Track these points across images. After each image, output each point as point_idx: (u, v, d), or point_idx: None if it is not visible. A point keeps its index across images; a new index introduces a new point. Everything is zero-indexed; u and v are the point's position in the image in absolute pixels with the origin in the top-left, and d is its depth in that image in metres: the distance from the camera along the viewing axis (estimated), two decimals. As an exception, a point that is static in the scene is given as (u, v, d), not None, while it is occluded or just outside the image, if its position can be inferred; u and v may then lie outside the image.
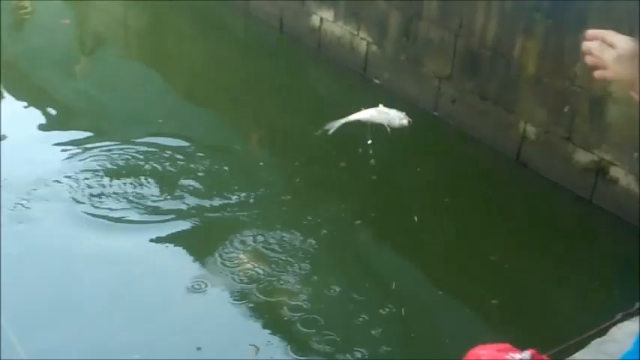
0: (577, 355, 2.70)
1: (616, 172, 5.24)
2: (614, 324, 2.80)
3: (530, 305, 4.50)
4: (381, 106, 1.98)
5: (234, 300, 4.30)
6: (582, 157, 5.43)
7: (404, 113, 1.88)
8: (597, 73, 1.53)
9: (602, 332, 2.84)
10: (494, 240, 5.09)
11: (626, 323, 2.77)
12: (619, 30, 1.67)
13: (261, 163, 5.82)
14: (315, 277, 4.54)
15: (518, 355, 1.41)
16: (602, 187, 5.32)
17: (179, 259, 4.67)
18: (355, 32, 7.33)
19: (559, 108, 5.53)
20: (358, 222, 5.21)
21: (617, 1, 4.95)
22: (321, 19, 7.72)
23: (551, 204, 5.55)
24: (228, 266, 4.55)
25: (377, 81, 7.11)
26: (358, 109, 6.13)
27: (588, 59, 1.53)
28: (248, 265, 4.57)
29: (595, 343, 2.76)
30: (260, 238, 4.84)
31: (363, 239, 5.10)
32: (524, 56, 5.74)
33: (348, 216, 5.24)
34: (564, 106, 5.48)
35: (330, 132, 2.17)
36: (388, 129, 2.13)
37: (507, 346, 1.49)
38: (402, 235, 5.17)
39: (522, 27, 5.71)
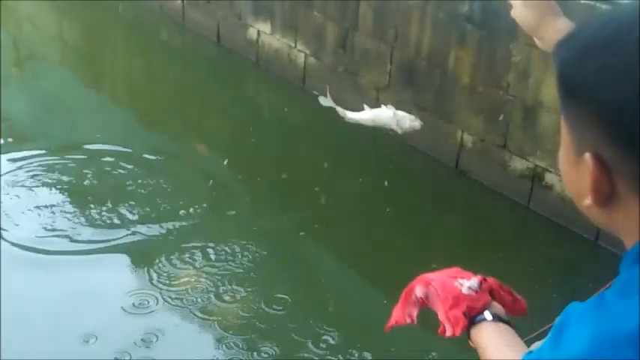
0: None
1: (551, 178, 5.38)
2: (550, 329, 2.87)
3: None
4: (388, 106, 1.88)
5: (177, 317, 4.27)
6: (518, 164, 5.57)
7: (414, 116, 1.80)
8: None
9: (543, 335, 2.90)
10: (436, 248, 5.17)
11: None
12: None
13: (203, 177, 5.79)
14: (259, 290, 4.55)
15: (467, 282, 1.36)
16: (538, 193, 5.47)
17: (119, 277, 4.62)
18: (293, 44, 7.37)
19: (494, 117, 5.66)
20: (302, 233, 5.23)
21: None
22: (258, 31, 7.74)
23: (490, 211, 5.67)
24: (169, 283, 4.52)
25: (316, 92, 7.15)
26: (298, 120, 6.21)
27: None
28: (190, 280, 4.55)
29: (536, 346, 2.82)
30: (203, 253, 4.82)
31: (308, 250, 5.13)
32: (459, 66, 5.86)
33: (291, 228, 5.27)
34: (499, 115, 5.62)
35: (322, 103, 1.97)
36: (399, 130, 1.95)
37: (457, 269, 1.47)
38: (345, 245, 5.22)
39: (456, 38, 5.84)
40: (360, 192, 5.87)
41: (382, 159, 6.32)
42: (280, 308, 4.41)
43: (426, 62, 6.12)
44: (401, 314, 1.45)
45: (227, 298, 4.45)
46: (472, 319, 1.34)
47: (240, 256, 4.85)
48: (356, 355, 4.16)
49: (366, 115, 1.87)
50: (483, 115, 5.77)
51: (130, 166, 5.81)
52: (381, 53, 6.48)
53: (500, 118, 5.63)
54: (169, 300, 4.38)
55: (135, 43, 8.90)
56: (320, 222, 5.40)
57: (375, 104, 7.03)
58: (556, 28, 1.40)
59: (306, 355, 4.11)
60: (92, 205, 5.22)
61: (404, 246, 5.20)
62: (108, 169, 5.73)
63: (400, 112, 1.79)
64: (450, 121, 6.01)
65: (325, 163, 6.24)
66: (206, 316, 4.28)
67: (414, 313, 1.44)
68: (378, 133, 6.59)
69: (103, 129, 6.47)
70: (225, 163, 6.06)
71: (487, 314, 1.33)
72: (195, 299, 4.39)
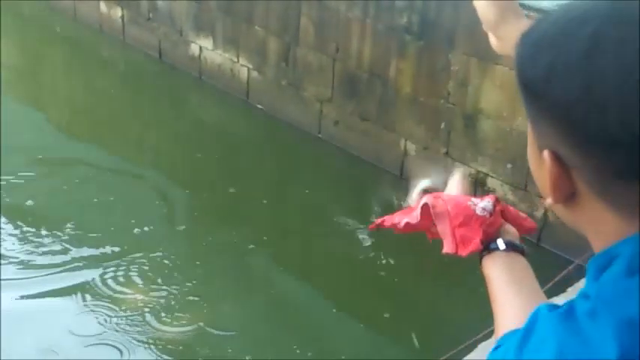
0: (468, 356, 2.86)
1: (492, 183, 5.53)
2: (499, 326, 2.96)
3: (421, 316, 4.67)
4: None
5: (127, 335, 4.26)
6: (460, 170, 5.69)
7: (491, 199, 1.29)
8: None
9: (488, 335, 3.00)
10: (384, 256, 5.25)
11: (509, 325, 2.94)
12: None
13: (150, 194, 5.78)
14: (209, 304, 4.57)
15: (481, 203, 1.25)
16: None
17: (66, 297, 4.57)
18: (235, 59, 7.41)
19: (436, 125, 5.79)
20: (251, 246, 5.26)
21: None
22: (201, 47, 7.76)
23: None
24: (116, 302, 4.49)
25: (260, 106, 7.21)
26: (243, 134, 6.21)
27: None
28: (138, 299, 4.53)
29: (482, 346, 2.92)
30: (151, 270, 4.81)
31: (257, 263, 5.16)
32: (400, 77, 5.98)
33: (241, 241, 5.29)
34: (440, 123, 5.75)
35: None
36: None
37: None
38: (295, 256, 5.27)
39: (395, 49, 5.95)
40: (308, 203, 5.93)
41: (328, 170, 6.39)
42: (231, 324, 4.43)
43: (367, 73, 6.22)
44: (390, 217, 1.33)
45: (177, 315, 4.44)
46: (487, 245, 1.22)
47: (190, 272, 4.86)
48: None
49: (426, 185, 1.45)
50: (425, 124, 5.89)
51: (74, 186, 5.76)
52: (323, 66, 6.57)
53: (442, 126, 5.76)
54: (116, 320, 4.35)
55: (75, 61, 8.82)
56: (269, 234, 5.44)
57: (319, 116, 7.14)
58: (518, 28, 1.30)
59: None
60: (34, 226, 5.16)
61: (353, 256, 5.27)
62: (50, 189, 5.67)
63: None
64: (393, 131, 6.13)
65: (272, 176, 6.30)
66: (162, 327, 4.28)
67: (404, 220, 1.30)
68: (321, 144, 6.71)
69: (43, 149, 6.39)
70: (172, 179, 6.06)
71: (500, 243, 1.22)
72: (142, 319, 4.37)
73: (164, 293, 4.59)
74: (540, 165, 0.83)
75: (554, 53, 0.77)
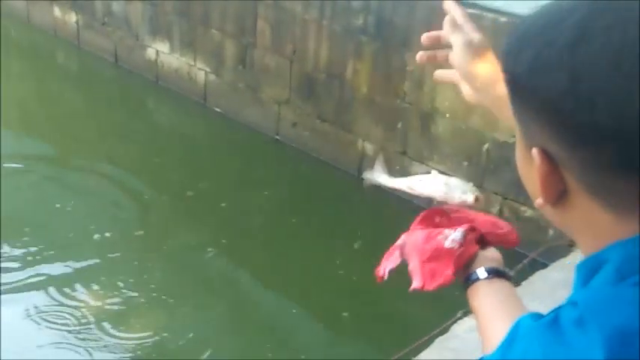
0: (423, 353, 2.89)
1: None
2: (455, 321, 3.02)
3: (379, 313, 4.70)
4: (435, 173, 1.44)
5: (84, 342, 4.22)
6: (418, 169, 5.75)
7: (470, 184, 1.35)
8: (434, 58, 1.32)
9: (445, 330, 3.04)
10: (342, 254, 5.28)
11: (465, 319, 2.99)
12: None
13: (108, 200, 5.74)
14: (169, 309, 4.55)
15: (451, 234, 1.22)
16: (438, 195, 5.65)
17: (21, 304, 4.51)
18: (192, 63, 7.39)
19: (393, 125, 5.84)
20: (210, 249, 5.25)
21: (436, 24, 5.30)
22: (157, 51, 7.72)
23: (394, 216, 5.82)
24: (75, 309, 4.45)
25: (218, 109, 7.19)
26: (201, 137, 6.18)
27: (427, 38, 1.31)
28: (95, 306, 4.50)
29: (439, 341, 2.96)
30: (110, 276, 4.78)
31: (216, 266, 5.15)
32: (357, 77, 6.02)
33: (199, 245, 5.28)
34: (397, 123, 5.80)
35: (365, 184, 1.52)
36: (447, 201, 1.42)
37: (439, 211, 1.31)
38: (254, 258, 5.27)
39: (352, 50, 5.99)
40: (266, 205, 5.93)
41: (286, 171, 6.41)
42: (191, 327, 4.42)
43: (324, 75, 6.25)
44: (378, 267, 1.34)
45: (136, 321, 4.42)
46: (468, 277, 1.20)
47: (149, 277, 4.84)
48: None
49: (406, 183, 1.47)
50: (382, 124, 5.93)
51: (31, 192, 5.69)
52: (280, 68, 6.58)
53: (399, 125, 5.81)
54: (73, 327, 4.31)
55: (29, 67, 8.70)
56: (228, 237, 5.44)
57: (277, 118, 7.15)
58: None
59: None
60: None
61: (311, 254, 5.29)
62: (5, 195, 5.59)
63: (453, 181, 1.37)
64: (351, 131, 6.16)
65: (230, 179, 6.29)
66: (120, 333, 4.25)
67: (388, 267, 1.31)
68: (279, 146, 6.71)
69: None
70: (130, 183, 6.02)
71: (481, 272, 1.19)
72: (100, 326, 4.34)
73: (123, 299, 4.56)
74: (528, 164, 0.81)
75: (539, 46, 0.75)
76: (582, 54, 0.72)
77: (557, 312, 0.75)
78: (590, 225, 0.78)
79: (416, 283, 1.24)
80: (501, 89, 1.18)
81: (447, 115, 5.45)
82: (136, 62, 7.96)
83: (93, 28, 8.43)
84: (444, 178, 1.39)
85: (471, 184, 1.36)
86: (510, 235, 1.29)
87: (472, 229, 1.25)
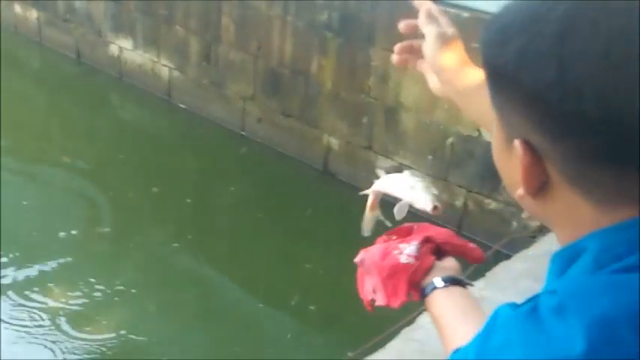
0: (390, 344, 2.93)
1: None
2: (421, 313, 3.06)
3: (346, 307, 4.72)
4: (407, 173, 1.39)
5: (47, 341, 4.19)
6: (383, 163, 5.80)
7: (435, 192, 1.32)
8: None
9: (411, 321, 3.08)
10: (308, 249, 5.31)
11: (431, 310, 3.03)
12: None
13: (73, 197, 5.69)
14: (135, 306, 4.54)
15: (406, 248, 1.23)
16: (403, 190, 5.70)
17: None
18: (156, 59, 7.35)
19: (358, 120, 5.88)
20: (176, 245, 5.24)
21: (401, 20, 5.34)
22: (120, 48, 7.67)
23: (358, 210, 5.85)
24: (40, 309, 4.42)
25: (182, 105, 7.17)
26: (165, 134, 6.14)
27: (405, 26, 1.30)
28: (58, 306, 4.46)
29: (405, 332, 2.99)
30: (76, 274, 4.75)
31: (182, 262, 5.14)
32: (321, 73, 6.04)
33: (165, 240, 5.27)
34: (362, 118, 5.84)
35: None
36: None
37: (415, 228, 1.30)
38: (220, 254, 5.28)
39: (316, 45, 6.01)
40: (232, 200, 5.93)
41: (252, 167, 6.41)
42: (157, 324, 4.42)
43: (289, 70, 6.26)
44: (361, 292, 1.32)
45: (101, 318, 4.40)
46: (424, 288, 1.21)
47: (115, 274, 4.81)
48: (239, 354, 4.23)
49: (379, 183, 1.44)
50: (348, 119, 5.97)
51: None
52: (244, 64, 6.58)
53: (364, 120, 5.85)
54: (38, 329, 4.28)
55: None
56: (194, 233, 5.43)
57: (242, 114, 7.13)
58: (473, 79, 1.22)
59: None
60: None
61: (277, 250, 5.31)
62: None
63: (419, 185, 1.33)
64: (316, 126, 6.18)
65: (196, 175, 6.28)
66: (81, 340, 4.22)
67: (368, 296, 1.29)
68: (245, 141, 6.71)
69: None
70: (95, 180, 5.98)
71: (437, 281, 1.20)
72: (67, 324, 4.31)
73: (88, 297, 4.54)
74: (507, 156, 0.80)
75: (525, 38, 0.74)
76: (571, 44, 0.71)
77: (535, 301, 0.75)
78: (570, 215, 0.78)
79: (380, 301, 1.24)
80: (467, 82, 1.22)
81: (412, 110, 5.50)
82: (99, 59, 7.90)
83: (54, 24, 8.34)
84: (411, 180, 1.37)
85: (436, 192, 1.34)
86: (476, 251, 1.31)
87: (427, 241, 1.26)
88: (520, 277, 3.34)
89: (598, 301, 0.71)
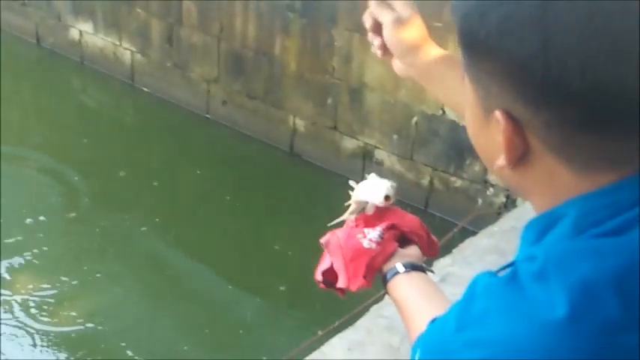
0: (359, 321, 2.97)
1: (380, 154, 5.68)
2: (390, 289, 3.09)
3: (316, 287, 4.76)
4: (372, 175, 1.37)
5: (16, 327, 4.17)
6: (349, 143, 5.83)
7: (388, 184, 1.31)
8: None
9: (379, 299, 3.12)
10: (277, 230, 5.33)
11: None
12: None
13: (38, 183, 5.63)
14: (103, 290, 4.53)
15: (370, 233, 1.26)
16: (370, 169, 5.74)
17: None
18: (117, 43, 7.27)
19: (323, 100, 5.89)
20: (144, 229, 5.23)
21: (363, 0, 5.36)
22: (81, 32, 7.57)
23: (325, 190, 5.89)
24: (8, 293, 4.39)
25: (146, 89, 7.12)
26: (130, 117, 6.08)
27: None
28: (27, 290, 4.44)
29: (374, 309, 3.03)
30: (43, 260, 4.72)
31: (151, 245, 5.13)
32: (285, 54, 6.03)
33: (132, 225, 5.25)
34: (327, 98, 5.86)
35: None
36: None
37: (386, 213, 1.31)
38: (188, 237, 5.28)
39: (279, 26, 6.00)
40: (200, 183, 5.93)
41: (219, 150, 6.40)
42: (126, 308, 4.42)
43: (253, 52, 6.25)
44: (315, 272, 1.35)
45: (69, 304, 4.38)
46: (384, 276, 1.24)
47: (83, 259, 4.79)
48: (209, 335, 4.25)
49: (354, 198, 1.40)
50: (312, 100, 5.98)
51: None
52: (207, 46, 6.54)
53: (329, 101, 5.87)
54: (7, 312, 4.25)
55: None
56: (162, 216, 5.42)
57: (207, 97, 7.07)
58: (428, 54, 1.23)
59: (160, 342, 4.15)
60: None
61: (246, 231, 5.32)
62: None
63: (373, 182, 1.35)
64: (282, 108, 6.19)
65: (162, 159, 6.26)
66: (55, 317, 4.21)
67: (320, 269, 1.33)
68: (210, 124, 6.68)
69: None
70: (60, 166, 5.92)
71: (399, 266, 1.23)
72: (35, 311, 4.29)
73: (56, 283, 4.53)
74: (485, 129, 0.80)
75: (507, 7, 0.73)
76: (553, 14, 0.71)
77: (514, 268, 0.75)
78: (550, 184, 0.78)
79: (341, 283, 1.27)
80: (429, 60, 1.23)
81: (376, 90, 5.53)
82: (60, 43, 7.79)
83: (12, 8, 8.19)
84: (374, 181, 1.37)
85: (389, 183, 1.33)
86: (433, 246, 1.34)
87: (391, 227, 1.28)
88: (486, 252, 3.40)
89: (579, 265, 0.72)
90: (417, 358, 0.87)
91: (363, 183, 1.36)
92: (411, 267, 1.23)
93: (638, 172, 0.76)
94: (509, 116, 0.76)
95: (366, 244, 1.25)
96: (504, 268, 0.77)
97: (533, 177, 0.79)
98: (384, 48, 1.27)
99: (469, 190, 5.16)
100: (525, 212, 3.81)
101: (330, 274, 1.31)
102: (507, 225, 3.68)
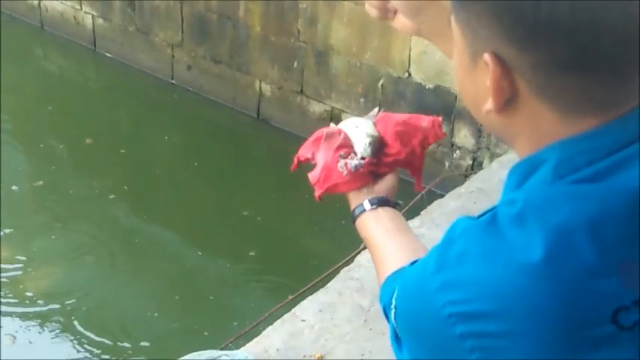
0: (330, 283, 3.01)
1: (347, 118, 5.67)
2: (359, 252, 3.13)
3: (286, 252, 4.80)
4: (350, 121, 1.35)
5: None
6: (316, 107, 5.82)
7: (367, 140, 1.26)
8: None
9: (350, 261, 3.16)
10: (245, 195, 5.33)
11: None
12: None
13: (4, 151, 5.55)
14: (70, 259, 4.51)
15: (350, 161, 1.22)
16: (336, 132, 5.74)
17: None
18: (78, 7, 7.14)
19: (289, 64, 5.86)
20: (112, 196, 5.19)
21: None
22: (40, -5, 7.41)
23: (293, 155, 5.85)
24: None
25: (109, 54, 7.01)
26: (94, 83, 5.96)
27: None
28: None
29: (344, 271, 3.07)
30: (12, 230, 4.67)
31: (119, 213, 5.11)
32: (250, 17, 5.98)
33: (100, 192, 5.21)
34: (293, 62, 5.82)
35: None
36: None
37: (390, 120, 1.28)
38: (157, 203, 5.27)
39: (244, -11, 5.94)
40: (167, 150, 5.89)
41: (185, 115, 6.35)
42: (94, 276, 4.41)
43: (217, 15, 6.18)
44: (302, 149, 1.31)
45: (36, 274, 4.36)
46: (352, 212, 1.22)
47: (50, 228, 4.76)
48: (179, 302, 4.26)
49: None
50: (278, 64, 5.94)
51: None
52: (170, 10, 6.45)
53: (295, 65, 5.84)
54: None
55: None
56: (129, 183, 5.39)
57: (171, 62, 6.98)
58: (438, 10, 1.19)
59: (133, 313, 4.15)
60: None
61: (215, 198, 5.32)
62: None
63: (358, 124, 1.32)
64: (247, 72, 6.14)
65: (128, 125, 6.20)
66: (17, 297, 4.18)
67: (302, 155, 1.30)
68: (176, 89, 6.61)
69: None
70: (24, 134, 5.84)
71: (366, 203, 1.21)
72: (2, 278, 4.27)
73: (22, 253, 4.48)
74: (471, 73, 0.81)
75: None
76: None
77: (494, 211, 0.77)
78: (535, 129, 0.79)
79: (312, 178, 1.26)
80: (438, 14, 1.18)
81: (342, 53, 5.51)
82: (18, 7, 7.62)
83: (-32, -28, 7.99)
84: (354, 124, 1.33)
85: (368, 133, 1.28)
86: (430, 131, 1.28)
87: (372, 164, 1.24)
88: (454, 213, 3.45)
89: (557, 209, 0.73)
90: (393, 300, 0.87)
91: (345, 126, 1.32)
92: (378, 203, 1.21)
93: (621, 117, 0.76)
94: (498, 59, 0.76)
95: (339, 165, 1.23)
96: (485, 213, 0.78)
97: (519, 122, 0.79)
98: (383, 9, 1.24)
99: (436, 153, 5.20)
100: (492, 174, 3.86)
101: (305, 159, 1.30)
102: (474, 187, 3.73)
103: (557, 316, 0.71)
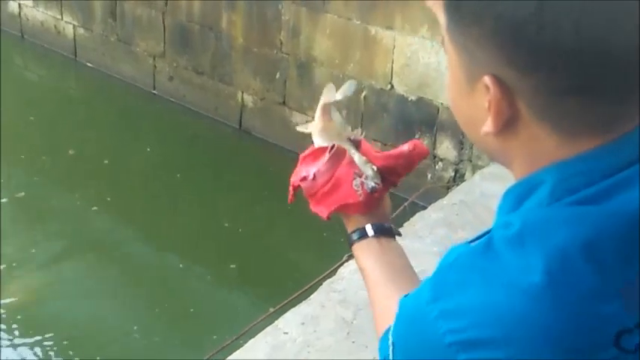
0: (313, 295, 2.98)
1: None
2: (342, 264, 3.11)
3: (268, 263, 4.78)
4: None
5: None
6: (298, 119, 5.81)
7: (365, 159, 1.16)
8: None
9: (332, 273, 3.14)
10: (227, 206, 5.31)
11: (351, 262, 3.09)
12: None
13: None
14: (53, 271, 4.47)
15: (367, 182, 1.10)
16: (318, 144, 5.74)
17: None
18: (59, 17, 7.11)
19: (271, 75, 5.85)
20: (95, 208, 5.15)
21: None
22: (20, 5, 7.38)
23: (276, 167, 5.88)
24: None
25: (90, 64, 6.98)
26: (75, 94, 5.91)
27: None
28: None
29: (327, 283, 3.05)
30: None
31: (101, 225, 5.06)
32: (232, 29, 5.97)
33: (83, 204, 5.17)
34: (276, 73, 5.82)
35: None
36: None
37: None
38: (140, 215, 5.23)
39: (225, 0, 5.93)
40: (149, 161, 5.86)
41: (167, 126, 6.32)
42: (76, 289, 4.36)
43: (199, 26, 6.17)
44: (295, 173, 1.18)
45: (16, 287, 4.30)
46: (351, 234, 1.11)
47: (31, 240, 4.70)
48: (160, 315, 4.23)
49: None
50: (261, 75, 5.94)
51: None
52: (152, 20, 6.43)
53: (277, 76, 5.84)
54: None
55: None
56: (112, 195, 5.34)
57: (153, 72, 6.97)
58: None
59: (111, 325, 4.11)
60: None
61: (196, 209, 5.28)
62: None
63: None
64: (230, 83, 6.13)
65: (111, 136, 6.16)
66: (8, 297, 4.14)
67: (311, 171, 1.16)
68: (157, 100, 6.57)
69: None
70: (6, 144, 5.78)
71: (369, 229, 1.11)
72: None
73: (4, 263, 4.43)
74: (468, 95, 0.79)
75: None
76: None
77: (489, 235, 0.75)
78: (532, 150, 0.77)
79: (308, 188, 1.15)
80: None
81: (324, 64, 5.51)
82: (-1, 17, 7.58)
83: (-52, -19, 7.93)
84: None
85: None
86: (414, 152, 1.20)
87: (381, 189, 1.13)
88: (436, 225, 3.44)
89: (555, 232, 0.71)
90: (390, 337, 0.84)
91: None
92: (381, 231, 1.12)
93: (620, 138, 0.75)
94: (498, 81, 0.74)
95: (355, 184, 1.12)
96: (478, 238, 0.77)
97: (516, 143, 0.78)
98: None
99: (418, 165, 5.19)
100: (474, 186, 3.86)
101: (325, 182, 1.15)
102: (456, 199, 3.73)
103: (561, 339, 0.70)
